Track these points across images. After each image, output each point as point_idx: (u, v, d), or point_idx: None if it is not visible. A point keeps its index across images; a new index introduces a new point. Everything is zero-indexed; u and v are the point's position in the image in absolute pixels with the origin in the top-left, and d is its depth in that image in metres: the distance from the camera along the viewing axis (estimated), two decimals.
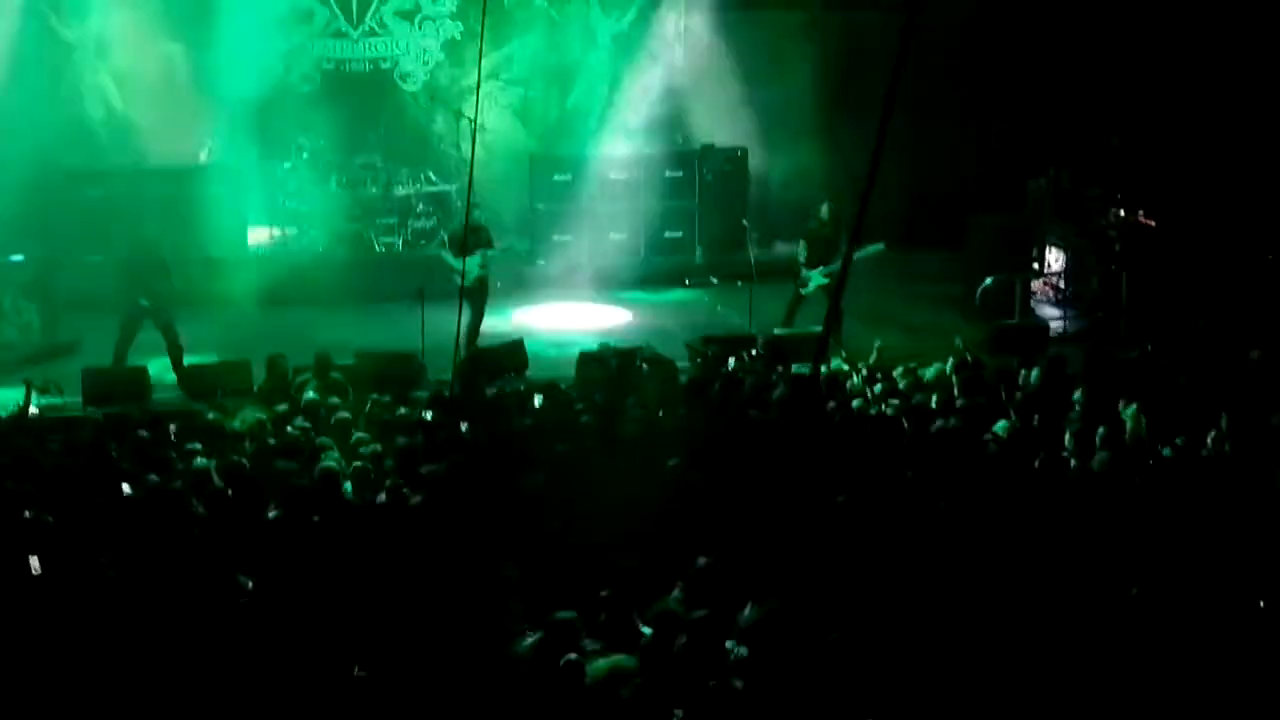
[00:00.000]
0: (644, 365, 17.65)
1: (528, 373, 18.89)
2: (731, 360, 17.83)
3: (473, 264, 19.24)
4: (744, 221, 22.15)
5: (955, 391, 16.19)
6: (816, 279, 20.05)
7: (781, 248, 22.83)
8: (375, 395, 16.13)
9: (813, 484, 13.22)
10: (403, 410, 15.41)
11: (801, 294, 20.16)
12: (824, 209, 20.50)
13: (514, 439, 14.45)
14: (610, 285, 23.21)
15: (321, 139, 23.64)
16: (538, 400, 16.10)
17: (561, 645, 9.74)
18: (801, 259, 20.27)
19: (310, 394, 16.18)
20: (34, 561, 11.28)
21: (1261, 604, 11.52)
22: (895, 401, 15.82)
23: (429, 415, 15.12)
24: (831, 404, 15.53)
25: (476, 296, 19.37)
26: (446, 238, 20.61)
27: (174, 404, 17.67)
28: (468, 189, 16.83)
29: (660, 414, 15.49)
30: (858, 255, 19.78)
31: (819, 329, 18.36)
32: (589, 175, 23.71)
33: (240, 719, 9.66)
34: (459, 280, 18.68)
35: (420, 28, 25.02)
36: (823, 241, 20.23)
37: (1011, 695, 10.05)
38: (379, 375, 17.46)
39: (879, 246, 19.57)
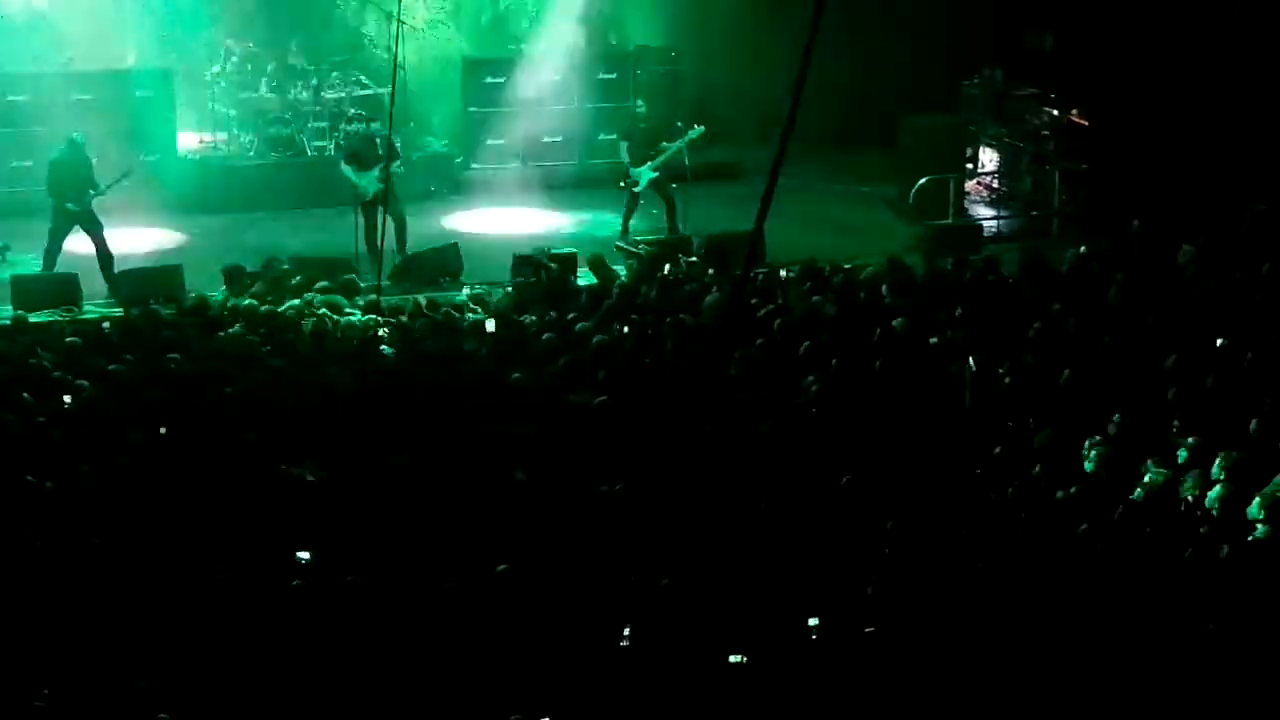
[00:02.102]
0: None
1: (462, 277, 18.85)
2: (668, 266, 17.83)
3: (370, 178, 19.11)
4: (677, 124, 22.07)
5: (885, 292, 16.29)
6: (646, 174, 20.18)
7: (716, 152, 22.67)
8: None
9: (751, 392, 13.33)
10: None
11: (635, 193, 20.25)
12: (640, 105, 20.74)
13: None
14: (544, 188, 23.08)
15: (250, 42, 23.31)
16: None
17: None
18: (625, 159, 20.34)
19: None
20: None
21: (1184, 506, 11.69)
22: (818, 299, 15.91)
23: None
24: (768, 307, 15.57)
25: (370, 211, 19.17)
26: (345, 150, 20.40)
27: (105, 309, 17.61)
28: (391, 93, 16.76)
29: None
30: (681, 142, 20.13)
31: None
32: (522, 78, 23.50)
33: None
34: (360, 195, 18.70)
35: None
36: (643, 137, 20.38)
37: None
38: (312, 280, 17.44)
39: (699, 130, 20.21)
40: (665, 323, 15.28)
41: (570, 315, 15.89)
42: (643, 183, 20.26)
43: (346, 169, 19.60)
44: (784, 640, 9.68)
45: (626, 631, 9.62)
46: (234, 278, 17.42)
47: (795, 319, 15.21)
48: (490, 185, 23.08)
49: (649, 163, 20.22)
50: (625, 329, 15.31)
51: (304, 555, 10.44)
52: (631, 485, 11.42)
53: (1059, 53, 22.83)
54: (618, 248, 19.33)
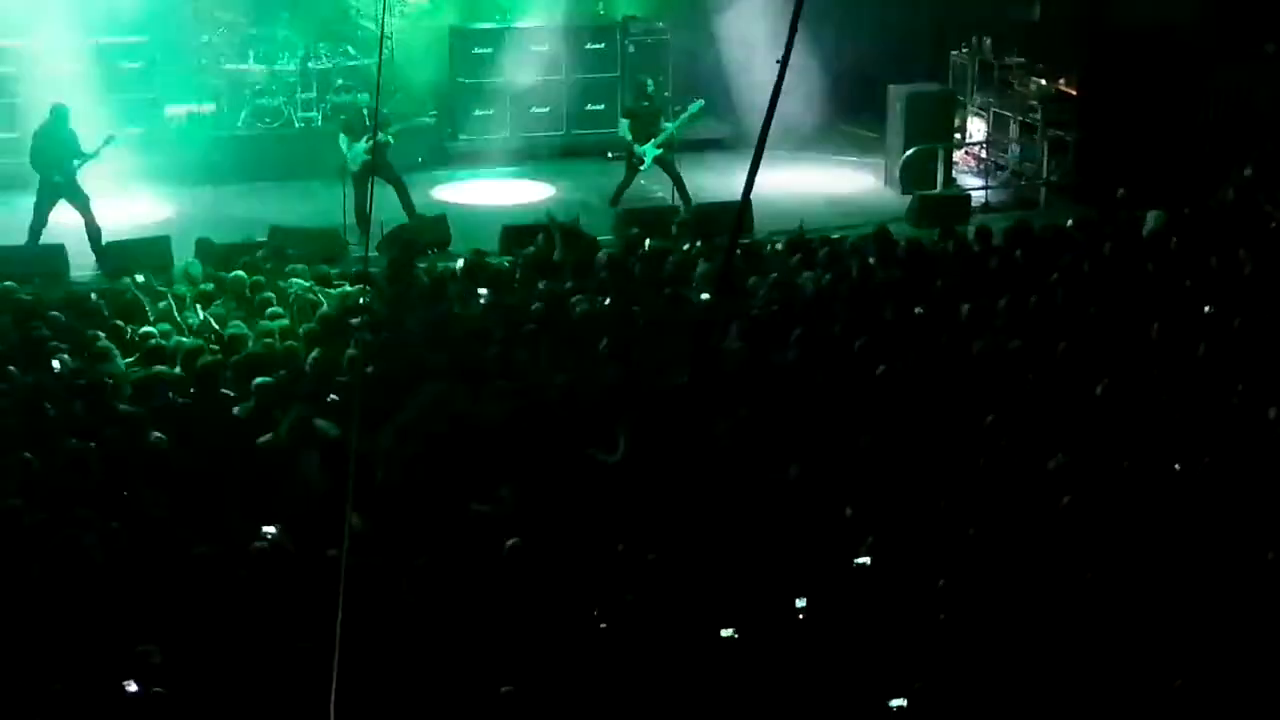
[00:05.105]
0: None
1: (450, 248, 18.83)
2: (649, 241, 17.82)
3: (359, 149, 19.06)
4: (665, 93, 22.10)
5: (873, 263, 16.28)
6: (651, 152, 20.19)
7: (704, 122, 22.60)
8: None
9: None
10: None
11: (640, 169, 20.27)
12: (648, 84, 20.86)
13: None
14: (532, 159, 23.06)
15: (237, 13, 23.22)
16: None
17: None
18: (628, 138, 20.35)
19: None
20: None
21: (1177, 467, 11.72)
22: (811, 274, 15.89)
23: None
24: (752, 279, 15.56)
25: (359, 181, 19.13)
26: (340, 121, 20.39)
27: (92, 281, 17.58)
28: (378, 64, 16.67)
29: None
30: (683, 118, 20.43)
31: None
32: (509, 48, 23.45)
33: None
34: (348, 166, 18.64)
35: None
36: (646, 116, 20.46)
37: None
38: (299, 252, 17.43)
39: (699, 104, 20.46)
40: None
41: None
42: (648, 161, 20.25)
43: (342, 139, 19.58)
44: (774, 615, 9.70)
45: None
46: (206, 251, 17.33)
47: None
48: (478, 156, 23.05)
49: (652, 140, 20.20)
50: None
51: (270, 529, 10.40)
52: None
53: (1046, 21, 22.80)
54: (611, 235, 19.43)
